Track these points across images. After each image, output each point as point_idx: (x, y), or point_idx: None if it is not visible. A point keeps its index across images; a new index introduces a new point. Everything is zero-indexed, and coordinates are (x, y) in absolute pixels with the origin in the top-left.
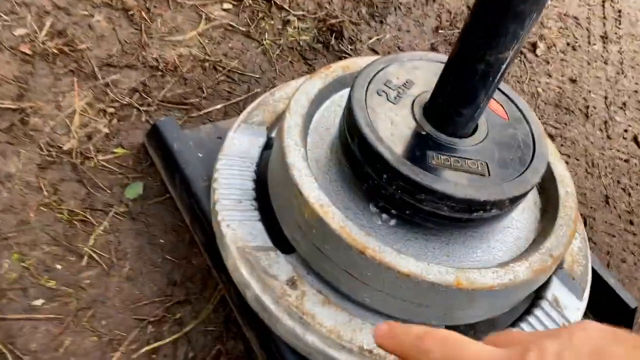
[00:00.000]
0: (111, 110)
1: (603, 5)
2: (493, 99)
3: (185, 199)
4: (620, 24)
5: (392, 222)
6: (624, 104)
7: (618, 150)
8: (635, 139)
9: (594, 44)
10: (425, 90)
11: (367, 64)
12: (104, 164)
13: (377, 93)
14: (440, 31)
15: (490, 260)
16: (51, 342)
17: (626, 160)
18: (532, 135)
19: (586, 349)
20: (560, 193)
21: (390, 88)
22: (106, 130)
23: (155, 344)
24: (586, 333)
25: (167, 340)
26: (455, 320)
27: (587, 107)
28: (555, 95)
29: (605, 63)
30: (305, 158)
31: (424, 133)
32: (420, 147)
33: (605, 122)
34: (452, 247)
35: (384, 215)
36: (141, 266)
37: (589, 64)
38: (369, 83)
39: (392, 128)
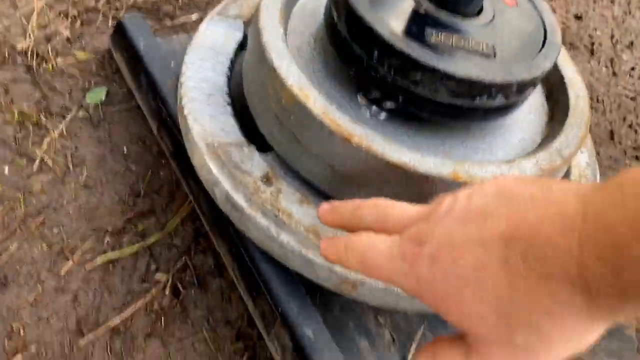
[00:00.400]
0: (74, 13)
1: None
2: None
3: (152, 103)
4: None
5: (382, 115)
6: (631, 43)
7: (624, 88)
8: None
9: None
10: None
11: None
12: (63, 67)
13: None
14: None
15: (492, 162)
16: None
17: (632, 98)
18: (543, 22)
19: (492, 190)
20: (571, 96)
21: None
22: (67, 33)
23: (112, 255)
24: (496, 180)
25: (127, 251)
26: None
27: (593, 44)
28: (561, 32)
29: (612, 2)
30: (284, 39)
31: (422, 8)
32: (418, 24)
33: (612, 60)
34: (449, 145)
35: (374, 108)
36: (101, 175)
37: (594, 2)
38: None
39: (385, 3)
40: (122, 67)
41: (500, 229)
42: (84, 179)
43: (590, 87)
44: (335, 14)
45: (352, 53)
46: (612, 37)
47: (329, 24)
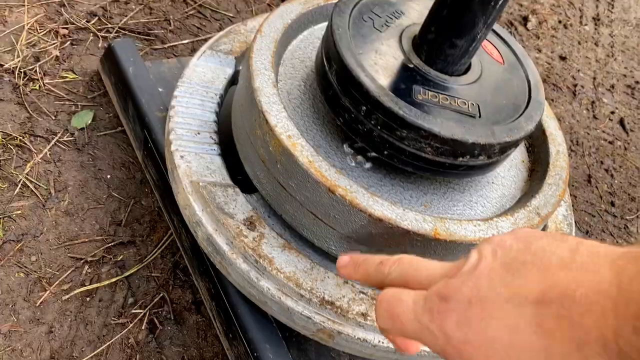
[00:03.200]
0: (64, 31)
1: None
2: (488, 40)
3: (138, 131)
4: (613, 7)
5: (367, 164)
6: (612, 86)
7: (603, 132)
8: (621, 121)
9: (586, 25)
10: (416, 23)
11: None
12: (51, 88)
13: (362, 19)
14: None
15: (472, 216)
16: None
17: (611, 142)
18: (528, 81)
19: (515, 244)
20: (551, 151)
21: (377, 15)
22: (57, 52)
23: (90, 286)
24: (516, 233)
25: (105, 283)
26: None
27: (575, 85)
28: (544, 71)
29: (596, 44)
30: (275, 84)
31: (411, 66)
32: (406, 81)
33: (593, 103)
34: (431, 197)
35: (359, 157)
36: (83, 201)
37: (579, 43)
38: (354, 7)
39: (375, 57)
40: (110, 92)
41: (530, 289)
42: (65, 205)
43: (570, 130)
44: (326, 65)
45: (341, 104)
46: (594, 79)
47: (320, 74)
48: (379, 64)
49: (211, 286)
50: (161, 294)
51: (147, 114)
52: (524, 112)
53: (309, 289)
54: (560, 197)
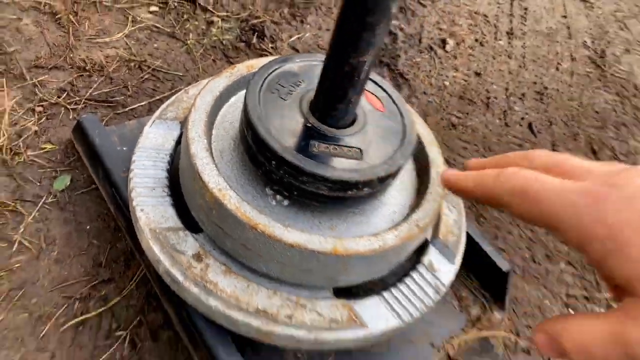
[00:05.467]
0: (40, 109)
1: (511, 4)
2: (372, 93)
3: (108, 189)
4: (525, 20)
5: (285, 202)
6: (523, 94)
7: (514, 137)
8: (529, 126)
9: (500, 40)
10: (312, 88)
11: (264, 64)
12: (34, 159)
13: (270, 91)
14: None
15: (369, 232)
16: None
17: (519, 145)
18: (404, 124)
19: None
20: (432, 174)
21: (282, 86)
22: (35, 127)
23: (82, 317)
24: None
25: (93, 314)
26: (340, 283)
27: (489, 98)
28: (461, 88)
29: (509, 57)
30: (207, 149)
31: (309, 125)
32: (305, 138)
33: (504, 112)
34: (336, 221)
35: (278, 197)
36: (69, 250)
37: (494, 58)
38: (264, 81)
39: (281, 121)
40: (82, 157)
41: None
42: (55, 256)
43: (483, 139)
44: (245, 131)
45: (259, 160)
46: (506, 89)
47: (242, 137)
48: (283, 127)
49: (176, 308)
50: (139, 318)
51: (113, 175)
52: (398, 150)
53: (246, 302)
54: (436, 210)
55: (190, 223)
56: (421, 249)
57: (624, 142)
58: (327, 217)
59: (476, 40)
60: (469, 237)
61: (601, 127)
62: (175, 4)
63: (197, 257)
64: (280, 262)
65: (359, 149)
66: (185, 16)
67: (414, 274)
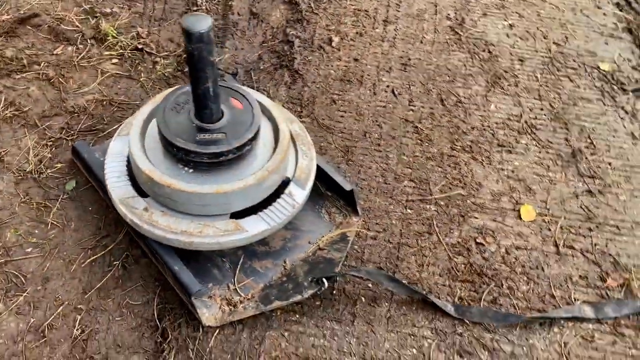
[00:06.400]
0: (50, 143)
1: None
2: (234, 97)
3: (97, 184)
4: (399, 7)
5: (190, 171)
6: (390, 67)
7: (380, 101)
8: (392, 91)
9: (377, 28)
10: None
11: (169, 91)
12: (51, 174)
13: (171, 108)
14: (264, 44)
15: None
16: (38, 266)
17: (384, 106)
18: (253, 114)
19: None
20: (281, 138)
21: (178, 105)
22: (49, 155)
23: (93, 257)
24: None
25: (99, 255)
26: (231, 210)
27: (362, 76)
28: (342, 73)
29: (383, 41)
30: (142, 149)
31: (194, 124)
32: (193, 132)
33: (374, 84)
34: (221, 177)
35: (185, 168)
36: (81, 223)
37: (370, 44)
38: (168, 103)
39: (178, 125)
40: (80, 168)
41: None
42: (73, 227)
43: (357, 107)
44: (160, 134)
45: (169, 149)
46: (377, 67)
47: (160, 138)
48: (180, 128)
49: (143, 241)
50: (126, 253)
51: (98, 175)
52: (247, 129)
53: (175, 228)
54: (282, 159)
55: (140, 192)
56: (285, 184)
57: (467, 89)
58: (215, 175)
59: (357, 33)
60: (328, 174)
61: (451, 81)
62: (129, 54)
63: (146, 209)
64: (191, 203)
65: (224, 133)
66: (137, 62)
67: (279, 199)
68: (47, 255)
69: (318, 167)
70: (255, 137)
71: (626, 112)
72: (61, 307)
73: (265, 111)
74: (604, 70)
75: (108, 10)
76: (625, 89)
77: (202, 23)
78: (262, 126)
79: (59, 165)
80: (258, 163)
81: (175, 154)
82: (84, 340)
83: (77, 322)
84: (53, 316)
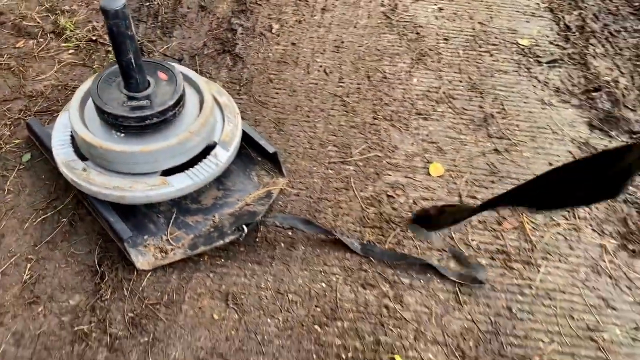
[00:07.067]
0: (9, 122)
1: None
2: (160, 70)
3: (48, 155)
4: None
5: (122, 135)
6: (324, 50)
7: (313, 79)
8: (324, 70)
9: (315, 16)
10: None
11: (106, 70)
12: (9, 149)
13: (104, 81)
14: (209, 32)
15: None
16: None
17: (316, 84)
18: (176, 83)
19: None
20: (204, 105)
21: (110, 78)
22: (9, 132)
23: (43, 216)
24: None
25: (49, 214)
26: (160, 167)
27: (298, 58)
28: (280, 56)
29: (319, 27)
30: (81, 119)
31: (123, 93)
32: (122, 100)
33: (308, 65)
34: (150, 139)
35: (118, 133)
36: (35, 189)
37: (307, 30)
38: (101, 78)
39: (110, 96)
40: (35, 142)
41: None
42: (27, 192)
43: (291, 85)
44: (94, 104)
45: (104, 117)
46: (312, 49)
47: (95, 107)
48: (111, 97)
49: (84, 197)
50: (72, 212)
51: (48, 146)
52: (170, 97)
53: (109, 184)
54: (204, 122)
55: (81, 156)
56: (212, 147)
57: (393, 66)
58: (144, 137)
59: (296, 20)
60: (254, 140)
61: (379, 60)
62: (84, 45)
63: (84, 169)
64: (121, 162)
65: (150, 100)
66: (91, 51)
67: (205, 159)
68: (3, 217)
69: (247, 135)
70: (177, 104)
71: (539, 81)
72: (14, 258)
73: (194, 85)
74: (522, 45)
75: (67, 7)
76: (540, 62)
77: (117, 1)
78: (189, 97)
79: (17, 141)
80: (183, 128)
81: (107, 119)
82: (33, 284)
83: (27, 269)
84: (6, 265)
